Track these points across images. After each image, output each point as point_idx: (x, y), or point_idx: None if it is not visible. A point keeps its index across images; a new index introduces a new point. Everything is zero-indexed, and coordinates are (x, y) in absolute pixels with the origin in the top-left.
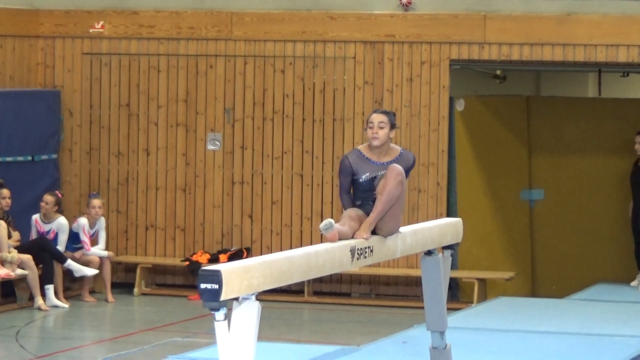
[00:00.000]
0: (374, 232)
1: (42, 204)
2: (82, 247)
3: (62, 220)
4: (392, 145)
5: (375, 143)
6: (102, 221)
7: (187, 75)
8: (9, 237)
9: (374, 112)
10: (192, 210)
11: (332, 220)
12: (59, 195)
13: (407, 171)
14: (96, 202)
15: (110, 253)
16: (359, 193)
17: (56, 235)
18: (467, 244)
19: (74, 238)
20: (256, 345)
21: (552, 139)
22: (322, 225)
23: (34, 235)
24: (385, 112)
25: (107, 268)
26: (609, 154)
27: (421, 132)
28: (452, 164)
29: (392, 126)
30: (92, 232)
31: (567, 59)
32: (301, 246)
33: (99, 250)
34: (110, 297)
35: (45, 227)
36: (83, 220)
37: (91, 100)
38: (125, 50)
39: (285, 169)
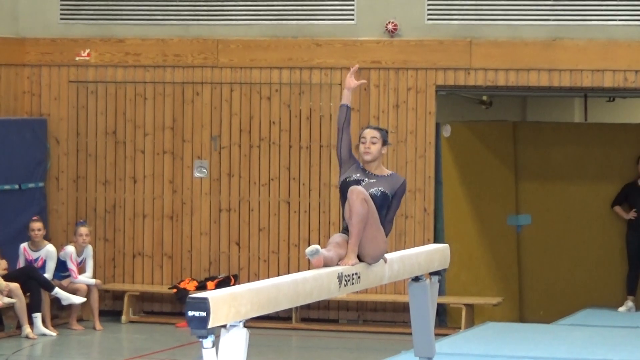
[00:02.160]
0: (361, 259)
1: (33, 232)
2: (69, 275)
3: (50, 247)
4: (382, 167)
5: (367, 158)
6: (89, 249)
7: (173, 103)
8: None
9: (367, 127)
10: (180, 237)
11: (318, 247)
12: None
13: (398, 194)
14: (83, 229)
15: (98, 281)
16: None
17: (44, 262)
18: (454, 270)
19: (61, 266)
20: None
21: (538, 164)
22: (307, 250)
23: (22, 263)
24: (378, 128)
25: (95, 296)
26: (595, 179)
27: (408, 158)
28: (439, 190)
29: (384, 143)
30: (79, 260)
31: (552, 84)
32: (289, 273)
33: (86, 278)
34: (98, 325)
35: (33, 255)
36: (70, 249)
37: (78, 128)
38: (112, 78)
39: (272, 196)
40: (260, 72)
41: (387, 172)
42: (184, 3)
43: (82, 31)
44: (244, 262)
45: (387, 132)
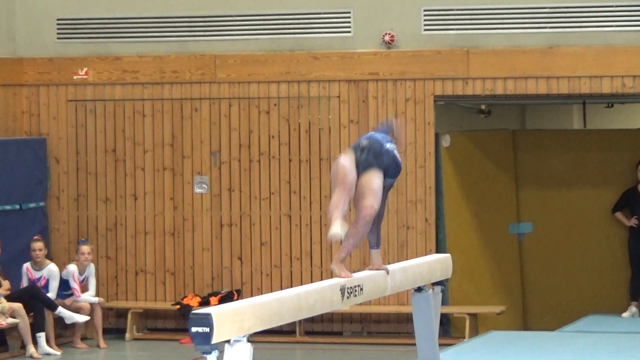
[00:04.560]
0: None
1: (34, 252)
2: (72, 294)
3: (52, 267)
4: None
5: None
6: (91, 267)
7: (172, 119)
8: None
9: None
10: (182, 253)
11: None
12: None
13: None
14: (85, 248)
15: (101, 299)
16: None
17: (47, 282)
18: (457, 279)
19: (64, 285)
20: None
21: (539, 172)
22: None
23: (24, 283)
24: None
25: (98, 314)
26: (596, 185)
27: (408, 169)
28: (440, 200)
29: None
30: (82, 278)
31: (551, 91)
32: (291, 286)
33: (89, 297)
34: (102, 343)
35: (36, 275)
36: (72, 267)
37: (77, 147)
38: (110, 96)
39: (273, 210)
40: (259, 87)
41: None
42: (181, 19)
43: (80, 50)
44: (247, 277)
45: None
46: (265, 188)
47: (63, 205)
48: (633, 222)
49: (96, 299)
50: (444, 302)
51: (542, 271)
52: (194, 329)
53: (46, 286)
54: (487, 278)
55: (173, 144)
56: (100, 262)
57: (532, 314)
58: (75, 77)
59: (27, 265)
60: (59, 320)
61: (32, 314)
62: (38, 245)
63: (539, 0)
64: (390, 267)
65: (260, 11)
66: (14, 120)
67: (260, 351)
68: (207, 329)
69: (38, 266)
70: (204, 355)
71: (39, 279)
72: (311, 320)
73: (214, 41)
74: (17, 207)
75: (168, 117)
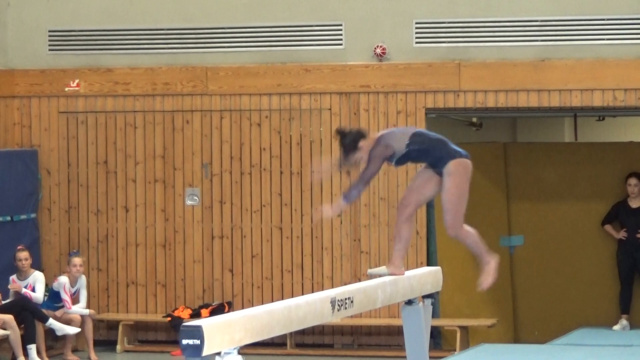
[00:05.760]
0: None
1: (20, 262)
2: (63, 306)
3: (37, 273)
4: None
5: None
6: (82, 279)
7: (163, 131)
8: None
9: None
10: (173, 265)
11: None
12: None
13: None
14: (77, 260)
15: (92, 311)
16: None
17: (33, 289)
18: (448, 292)
19: (54, 297)
20: None
21: (530, 184)
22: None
23: (11, 295)
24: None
25: (89, 326)
26: (587, 198)
27: (399, 181)
28: (431, 213)
29: (356, 147)
30: (73, 290)
31: (542, 104)
32: (282, 299)
33: (80, 309)
34: (93, 355)
35: (22, 284)
36: (64, 279)
37: (68, 159)
38: (101, 107)
39: (264, 222)
40: (250, 99)
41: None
42: (172, 31)
43: (71, 62)
44: (238, 289)
45: (348, 144)
46: (257, 200)
47: (54, 216)
48: (622, 234)
49: (87, 311)
50: (435, 315)
51: (533, 284)
52: (184, 341)
53: (34, 291)
54: (478, 291)
55: (164, 156)
56: (91, 274)
57: (523, 326)
58: (66, 89)
59: (13, 277)
60: (50, 332)
61: (22, 325)
62: (23, 254)
63: (531, 13)
64: (380, 279)
65: (251, 23)
66: (5, 132)
67: None
68: (197, 341)
69: (23, 276)
70: None
71: (25, 287)
72: (302, 332)
73: (206, 53)
74: (9, 218)
75: (159, 129)
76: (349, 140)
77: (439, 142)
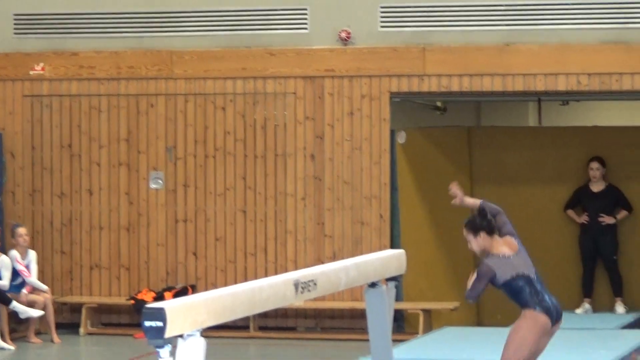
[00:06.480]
0: None
1: (21, 238)
2: (22, 284)
3: (3, 257)
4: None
5: (479, 255)
6: (32, 254)
7: (128, 115)
8: None
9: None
10: (137, 249)
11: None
12: None
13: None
14: (21, 230)
15: (47, 288)
16: None
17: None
18: (411, 276)
19: (13, 276)
20: None
21: (494, 168)
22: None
23: None
24: (465, 225)
25: (50, 309)
26: (550, 182)
27: (363, 165)
28: (395, 196)
29: (476, 232)
30: (24, 263)
31: (506, 88)
32: (246, 282)
33: (37, 281)
34: (56, 338)
35: None
36: (14, 252)
37: (33, 142)
38: (66, 91)
39: (228, 205)
40: (215, 83)
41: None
42: (138, 15)
43: (36, 45)
44: (202, 272)
45: (474, 219)
46: (221, 184)
47: (18, 200)
48: (584, 219)
49: (44, 286)
50: (398, 298)
51: None
52: (147, 323)
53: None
54: (442, 274)
55: (129, 140)
56: (55, 257)
57: (485, 310)
58: (31, 73)
59: None
60: (13, 315)
61: None
62: (23, 230)
63: None
64: (343, 262)
65: (216, 7)
66: None
67: (214, 346)
68: (160, 324)
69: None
70: (157, 350)
71: None
72: (265, 315)
73: (171, 37)
74: None
75: (124, 112)
76: (474, 225)
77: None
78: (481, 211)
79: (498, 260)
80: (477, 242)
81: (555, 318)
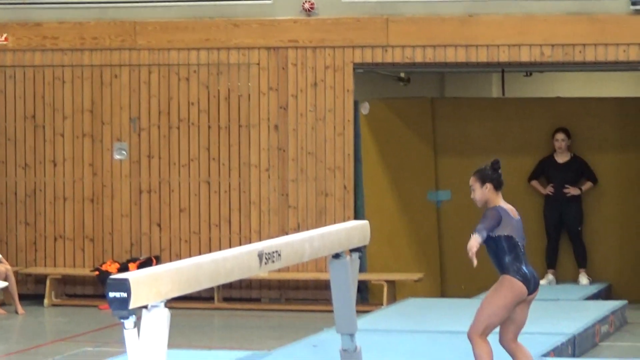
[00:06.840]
0: None
1: None
2: None
3: None
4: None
5: (478, 205)
6: None
7: (92, 86)
8: None
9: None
10: (101, 220)
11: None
12: None
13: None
14: None
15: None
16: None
17: None
18: (375, 247)
19: None
20: (166, 352)
21: (457, 139)
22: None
23: None
24: (475, 173)
25: (12, 279)
26: (514, 154)
27: (327, 136)
28: (358, 168)
29: (483, 181)
30: None
31: (470, 59)
32: (210, 253)
33: None
34: (20, 309)
35: None
36: None
37: None
38: (30, 62)
39: (192, 176)
40: (178, 54)
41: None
42: None
43: None
44: (166, 243)
45: (484, 169)
46: (185, 155)
47: None
48: (549, 190)
49: None
50: (362, 269)
51: (460, 239)
52: (111, 294)
53: None
54: (405, 245)
55: (92, 111)
56: (19, 228)
57: (449, 281)
58: None
59: None
60: None
61: None
62: None
63: None
64: (308, 233)
65: None
66: None
67: (178, 317)
68: (124, 294)
69: None
70: (122, 321)
71: None
72: (229, 286)
73: (134, 8)
74: None
75: (88, 83)
76: (483, 174)
77: (515, 250)
78: (494, 163)
79: (504, 212)
80: (482, 192)
81: (532, 288)
